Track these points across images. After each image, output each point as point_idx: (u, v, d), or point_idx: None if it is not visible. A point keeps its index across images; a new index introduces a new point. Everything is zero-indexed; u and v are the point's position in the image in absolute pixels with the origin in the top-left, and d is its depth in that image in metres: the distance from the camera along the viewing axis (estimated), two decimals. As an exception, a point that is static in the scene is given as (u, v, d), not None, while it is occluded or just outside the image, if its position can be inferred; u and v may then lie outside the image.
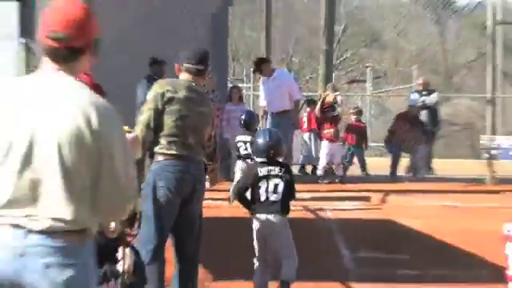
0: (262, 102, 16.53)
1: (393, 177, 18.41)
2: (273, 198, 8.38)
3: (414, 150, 18.61)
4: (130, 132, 6.41)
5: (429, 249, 11.67)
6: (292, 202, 8.78)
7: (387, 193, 16.01)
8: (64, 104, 3.90)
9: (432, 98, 19.63)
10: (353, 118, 20.74)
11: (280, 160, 8.68)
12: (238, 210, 8.93)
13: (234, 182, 13.56)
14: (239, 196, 8.63)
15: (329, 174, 17.85)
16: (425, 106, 19.46)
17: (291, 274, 8.36)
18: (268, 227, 8.42)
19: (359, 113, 21.11)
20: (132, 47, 15.74)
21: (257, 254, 8.49)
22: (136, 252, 5.90)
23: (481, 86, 32.68)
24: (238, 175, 14.53)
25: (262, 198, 8.39)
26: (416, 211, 14.27)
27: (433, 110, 19.67)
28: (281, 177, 8.44)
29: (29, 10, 12.00)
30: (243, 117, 14.80)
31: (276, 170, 8.46)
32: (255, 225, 8.48)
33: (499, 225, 13.13)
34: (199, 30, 18.20)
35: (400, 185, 17.41)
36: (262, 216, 8.39)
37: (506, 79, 37.28)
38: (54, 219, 3.85)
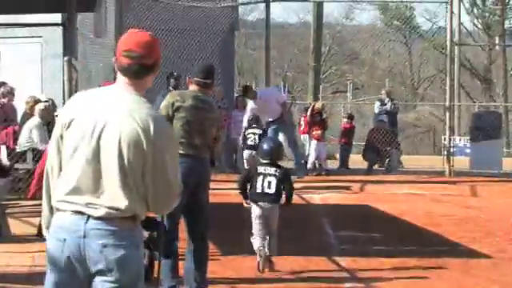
0: (250, 114, 16.11)
1: (369, 171, 18.35)
2: (267, 191, 8.53)
3: (386, 155, 18.56)
4: None
5: (398, 229, 11.61)
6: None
7: (364, 183, 15.94)
8: (128, 113, 3.86)
9: (393, 105, 19.86)
10: (345, 120, 21.05)
11: (278, 163, 8.75)
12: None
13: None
14: (241, 187, 8.71)
15: (316, 167, 17.78)
16: (386, 111, 19.62)
17: (275, 249, 8.61)
18: (266, 212, 8.54)
19: (351, 117, 21.34)
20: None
21: (258, 234, 8.53)
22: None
23: (441, 96, 32.61)
24: (246, 164, 14.55)
25: (259, 191, 8.54)
26: (388, 198, 14.21)
27: (393, 114, 19.89)
28: (275, 175, 8.55)
29: (71, 33, 11.86)
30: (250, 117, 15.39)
31: (272, 170, 8.58)
32: (257, 211, 8.55)
33: (456, 209, 13.15)
34: (211, 50, 18.18)
35: (375, 176, 17.33)
36: (261, 204, 8.55)
37: (461, 90, 37.17)
38: (111, 207, 3.82)
